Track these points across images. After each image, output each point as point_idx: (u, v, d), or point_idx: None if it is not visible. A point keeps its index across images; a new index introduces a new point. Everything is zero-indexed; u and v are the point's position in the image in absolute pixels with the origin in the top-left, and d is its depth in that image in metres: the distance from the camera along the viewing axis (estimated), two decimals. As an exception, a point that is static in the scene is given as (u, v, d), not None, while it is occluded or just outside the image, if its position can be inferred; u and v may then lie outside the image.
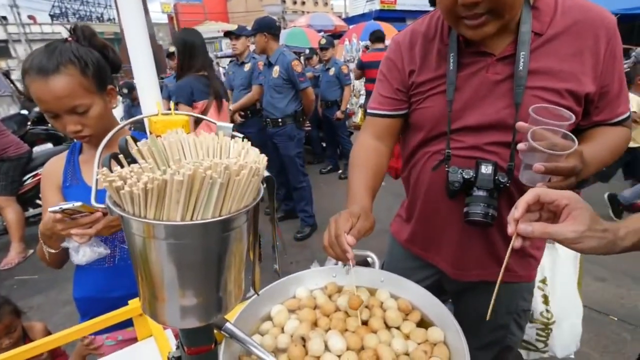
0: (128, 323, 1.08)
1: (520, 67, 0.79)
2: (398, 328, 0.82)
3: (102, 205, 0.39)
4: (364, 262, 0.99)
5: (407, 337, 0.80)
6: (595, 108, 0.84)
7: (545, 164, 0.69)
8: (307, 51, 5.87)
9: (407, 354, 0.75)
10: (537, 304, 1.33)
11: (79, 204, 0.79)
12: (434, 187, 0.95)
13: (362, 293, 0.91)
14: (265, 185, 0.47)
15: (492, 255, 0.97)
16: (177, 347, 0.66)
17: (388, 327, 0.82)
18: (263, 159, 0.42)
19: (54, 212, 0.78)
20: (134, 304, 0.88)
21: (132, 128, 1.97)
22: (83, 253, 0.91)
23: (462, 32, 0.79)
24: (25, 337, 1.55)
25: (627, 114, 0.86)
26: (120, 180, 0.35)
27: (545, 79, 0.80)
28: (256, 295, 0.63)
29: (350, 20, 16.93)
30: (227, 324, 0.78)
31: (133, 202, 0.35)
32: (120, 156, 0.38)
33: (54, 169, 1.07)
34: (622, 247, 0.57)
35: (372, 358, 0.72)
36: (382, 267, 1.07)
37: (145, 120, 0.44)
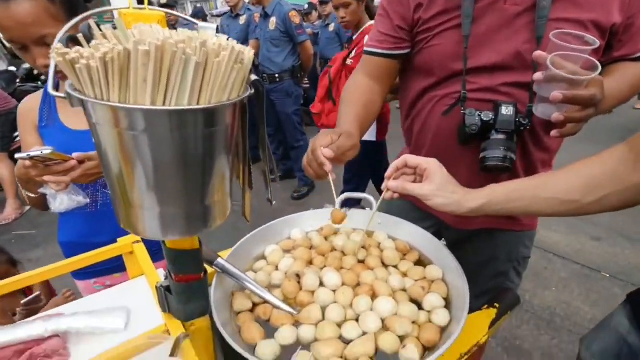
0: (116, 269, 1.07)
1: None
2: (395, 267, 0.80)
3: (61, 95, 0.33)
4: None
5: (404, 275, 0.78)
6: (619, 42, 0.77)
7: (564, 92, 0.63)
8: (306, 6, 5.58)
9: (404, 290, 0.74)
10: None
11: (48, 150, 0.74)
12: (444, 133, 0.89)
13: (359, 235, 0.89)
14: (253, 90, 0.42)
15: None
16: (166, 277, 0.64)
17: (385, 265, 0.81)
18: (250, 51, 0.36)
19: (22, 159, 0.74)
20: (124, 241, 0.85)
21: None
22: (60, 201, 0.87)
23: None
24: (26, 288, 1.55)
25: None
26: (76, 54, 0.29)
27: (570, 9, 0.72)
28: (247, 221, 0.59)
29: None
30: (219, 259, 0.76)
31: (92, 81, 0.30)
32: (80, 36, 0.33)
33: (29, 108, 1.01)
34: (468, 207, 0.66)
35: (368, 293, 0.71)
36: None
37: (116, 14, 0.38)
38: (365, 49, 0.97)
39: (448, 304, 0.70)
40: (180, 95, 0.31)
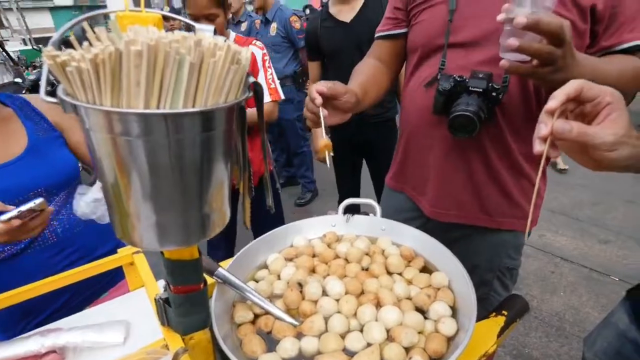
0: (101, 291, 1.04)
1: None
2: (400, 274, 0.78)
3: (54, 100, 0.32)
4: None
5: (409, 282, 0.76)
6: (604, 30, 0.74)
7: (521, 40, 0.58)
8: (308, 11, 5.61)
9: (409, 298, 0.72)
10: None
11: (39, 200, 0.70)
12: (421, 107, 0.90)
13: (362, 241, 0.87)
14: (251, 93, 0.41)
15: (473, 195, 0.92)
16: (165, 289, 0.62)
17: (390, 273, 0.78)
18: (247, 51, 0.35)
19: (12, 218, 0.69)
20: (124, 252, 0.83)
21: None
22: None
23: None
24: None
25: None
26: (67, 56, 0.28)
27: None
28: (247, 229, 0.57)
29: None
30: (220, 269, 0.74)
31: (84, 85, 0.29)
32: (72, 38, 0.32)
33: None
34: None
35: (372, 302, 0.69)
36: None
37: (112, 17, 0.37)
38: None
39: (455, 312, 0.68)
40: (174, 98, 0.30)
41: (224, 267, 0.73)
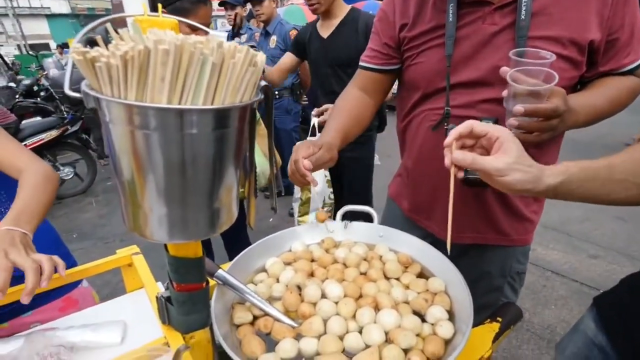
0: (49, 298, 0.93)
1: (523, 15, 0.74)
2: (397, 279, 0.80)
3: (78, 95, 0.34)
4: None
5: (406, 287, 0.77)
6: (602, 58, 0.78)
7: (525, 105, 0.65)
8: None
9: (407, 302, 0.73)
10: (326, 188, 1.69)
11: None
12: (430, 146, 0.91)
13: (360, 247, 0.88)
14: (262, 95, 0.43)
15: (486, 218, 0.94)
16: (167, 288, 0.63)
17: (387, 278, 0.80)
18: (262, 55, 0.37)
19: None
20: (123, 252, 0.84)
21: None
22: None
23: None
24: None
25: (636, 63, 0.79)
26: (97, 52, 0.30)
27: (548, 27, 0.74)
28: (250, 228, 0.59)
29: (348, -2, 16.48)
30: (220, 271, 0.75)
31: (111, 80, 0.30)
32: (99, 38, 0.34)
33: None
34: (546, 184, 0.57)
35: (370, 305, 0.70)
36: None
37: (130, 20, 0.39)
38: (360, 63, 1.03)
39: (451, 316, 0.69)
40: (196, 94, 0.32)
41: (224, 270, 0.74)
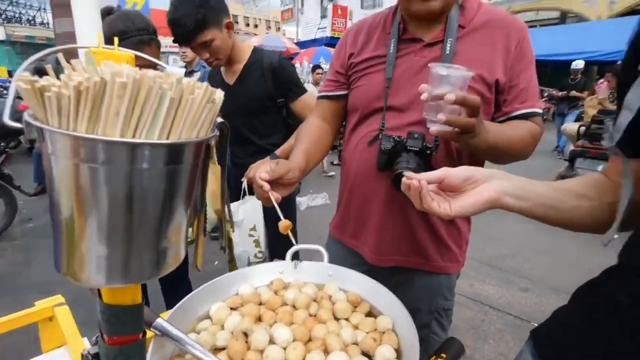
0: None
1: (447, 51, 0.89)
2: (347, 319, 0.79)
3: (18, 125, 0.31)
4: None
5: (356, 327, 0.77)
6: (504, 100, 0.93)
7: (457, 92, 0.71)
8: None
9: (356, 343, 0.72)
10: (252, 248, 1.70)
11: None
12: (365, 163, 1.00)
13: (310, 288, 0.87)
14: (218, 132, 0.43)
15: (411, 240, 1.00)
16: (95, 342, 0.56)
17: (337, 318, 0.79)
18: (220, 92, 0.38)
19: None
20: (42, 304, 0.73)
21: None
22: None
23: (411, 7, 0.88)
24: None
25: (532, 109, 0.93)
26: (46, 82, 0.29)
27: (464, 64, 0.83)
28: (197, 270, 0.56)
29: (302, 44, 17.40)
30: (159, 320, 0.69)
31: (60, 111, 0.29)
32: (49, 66, 0.32)
33: None
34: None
35: (320, 348, 0.68)
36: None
37: (81, 53, 0.39)
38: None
39: (399, 354, 0.70)
40: (151, 130, 0.31)
41: (164, 318, 0.68)
